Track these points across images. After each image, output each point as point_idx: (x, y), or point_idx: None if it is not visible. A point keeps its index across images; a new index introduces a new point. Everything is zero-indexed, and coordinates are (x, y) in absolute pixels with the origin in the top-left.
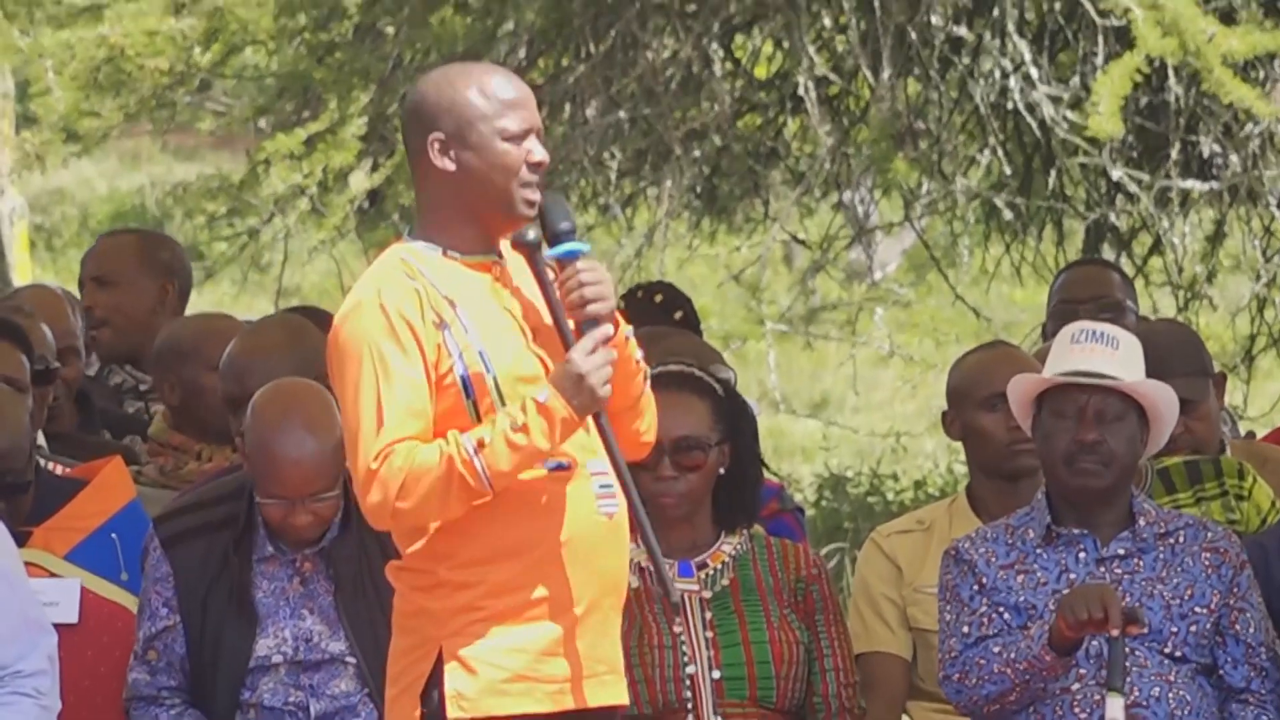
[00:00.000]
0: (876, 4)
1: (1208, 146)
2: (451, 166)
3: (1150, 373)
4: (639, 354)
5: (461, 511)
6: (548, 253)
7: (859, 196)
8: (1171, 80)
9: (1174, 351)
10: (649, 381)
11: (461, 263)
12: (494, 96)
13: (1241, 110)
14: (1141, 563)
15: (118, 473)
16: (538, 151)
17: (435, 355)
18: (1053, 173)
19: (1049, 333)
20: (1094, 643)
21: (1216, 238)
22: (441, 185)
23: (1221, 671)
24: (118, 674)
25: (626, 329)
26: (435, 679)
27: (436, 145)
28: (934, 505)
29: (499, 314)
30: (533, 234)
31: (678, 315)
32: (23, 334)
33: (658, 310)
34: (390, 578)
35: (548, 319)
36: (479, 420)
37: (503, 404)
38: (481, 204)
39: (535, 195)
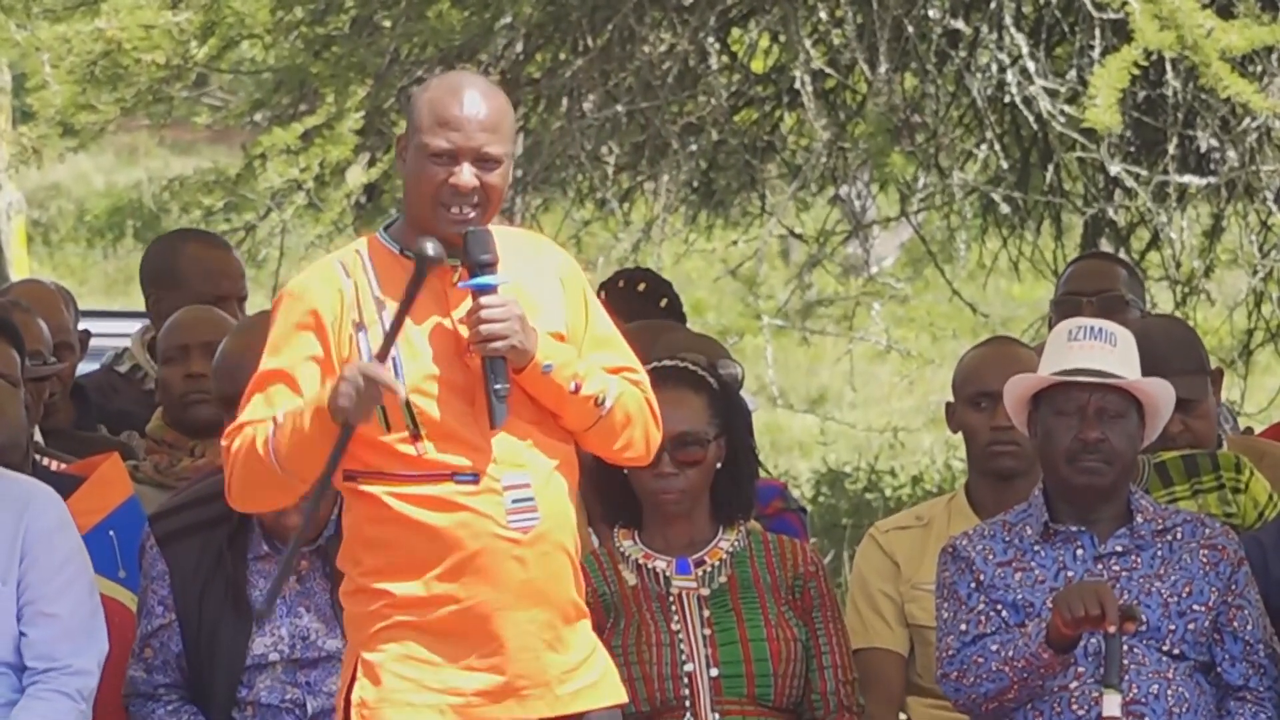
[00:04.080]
0: None
1: (1205, 141)
2: (403, 169)
3: (1149, 371)
4: (597, 386)
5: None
6: (462, 283)
7: (856, 191)
8: (1169, 74)
9: (1172, 350)
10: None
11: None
12: (434, 111)
13: (1239, 105)
14: (1139, 560)
15: (115, 469)
16: (463, 176)
17: (348, 354)
18: (1050, 167)
19: (1054, 324)
20: (1092, 640)
21: (1214, 233)
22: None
23: (1219, 669)
24: (116, 670)
25: (547, 362)
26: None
27: (400, 144)
28: (933, 502)
29: (434, 319)
30: (432, 249)
31: (663, 303)
32: (14, 329)
33: (641, 299)
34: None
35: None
36: (387, 426)
37: (409, 412)
38: (414, 212)
39: (463, 218)
